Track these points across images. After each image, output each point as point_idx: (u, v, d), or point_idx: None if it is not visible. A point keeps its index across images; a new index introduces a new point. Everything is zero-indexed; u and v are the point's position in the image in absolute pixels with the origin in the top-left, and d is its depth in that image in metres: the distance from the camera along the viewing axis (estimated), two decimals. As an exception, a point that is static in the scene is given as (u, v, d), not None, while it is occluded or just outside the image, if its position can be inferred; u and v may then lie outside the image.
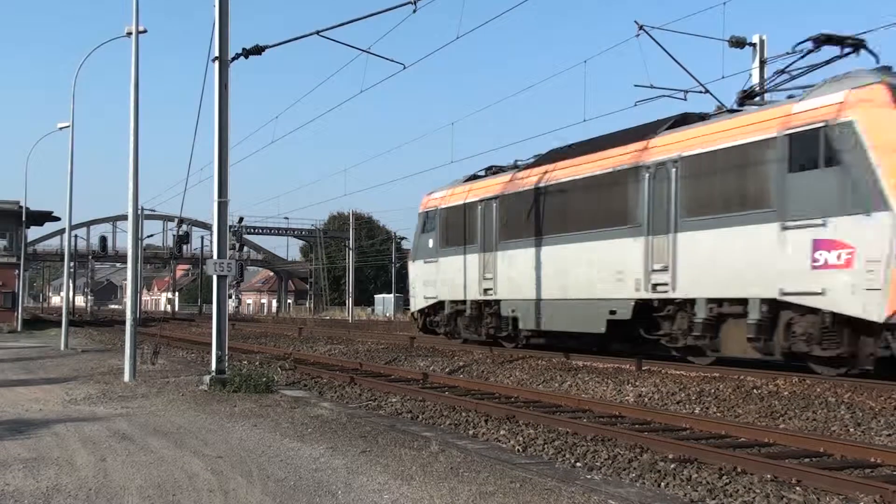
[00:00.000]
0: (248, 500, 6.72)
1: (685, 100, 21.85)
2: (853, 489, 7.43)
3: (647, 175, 16.78)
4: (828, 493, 7.47)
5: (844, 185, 12.92)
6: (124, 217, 57.71)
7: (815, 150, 13.41)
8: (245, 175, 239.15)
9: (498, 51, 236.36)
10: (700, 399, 13.11)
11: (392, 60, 17.78)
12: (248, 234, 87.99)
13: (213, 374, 14.60)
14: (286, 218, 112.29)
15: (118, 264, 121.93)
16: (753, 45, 22.72)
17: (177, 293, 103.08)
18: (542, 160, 21.18)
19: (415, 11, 15.47)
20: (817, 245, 13.26)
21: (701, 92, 21.72)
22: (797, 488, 7.68)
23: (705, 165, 15.48)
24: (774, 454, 9.32)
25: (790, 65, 15.66)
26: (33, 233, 69.90)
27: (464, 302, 23.47)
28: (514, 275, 20.99)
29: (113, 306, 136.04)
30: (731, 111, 16.43)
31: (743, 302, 14.75)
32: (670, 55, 21.00)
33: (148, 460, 8.23)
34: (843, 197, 12.91)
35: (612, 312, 17.56)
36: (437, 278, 24.61)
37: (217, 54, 15.17)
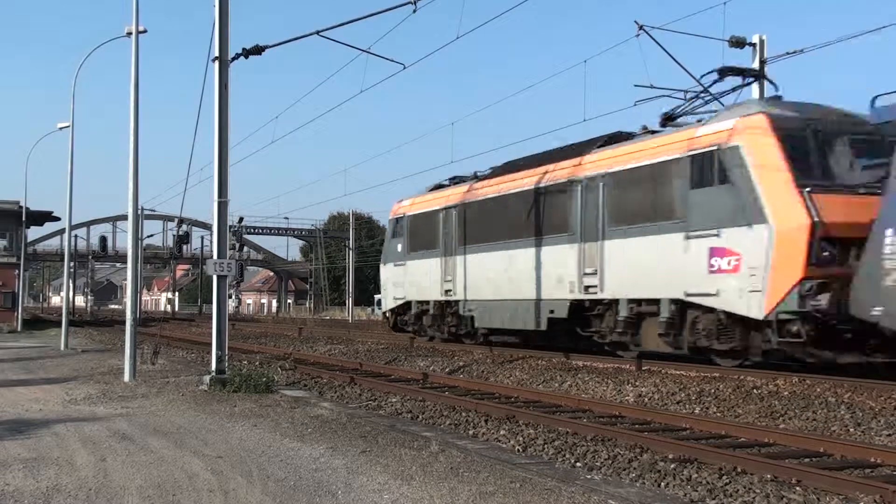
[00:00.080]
0: (248, 500, 6.72)
1: (685, 99, 21.87)
2: (853, 489, 7.43)
3: (580, 188, 18.57)
4: (828, 493, 7.47)
5: (733, 200, 14.72)
6: (124, 217, 57.72)
7: (710, 169, 15.25)
8: (245, 175, 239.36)
9: (498, 51, 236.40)
10: (700, 399, 13.11)
11: (392, 60, 17.79)
12: (248, 234, 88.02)
13: (213, 374, 14.60)
14: (286, 218, 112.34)
15: (118, 264, 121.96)
16: (753, 45, 22.75)
17: (177, 293, 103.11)
18: (497, 172, 22.95)
19: (415, 11, 15.48)
20: (713, 252, 15.07)
21: (701, 92, 21.76)
22: (797, 488, 7.68)
23: (627, 181, 17.33)
24: (774, 454, 9.32)
25: (703, 90, 17.53)
26: (33, 233, 70.00)
27: (428, 302, 25.35)
28: (471, 277, 22.81)
29: (113, 306, 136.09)
30: (653, 132, 18.05)
31: (656, 302, 16.54)
32: (670, 55, 21.01)
33: (148, 460, 8.24)
34: (732, 211, 14.69)
35: (552, 312, 19.35)
36: (405, 280, 26.44)
37: (217, 54, 15.17)
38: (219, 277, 15.03)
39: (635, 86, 21.56)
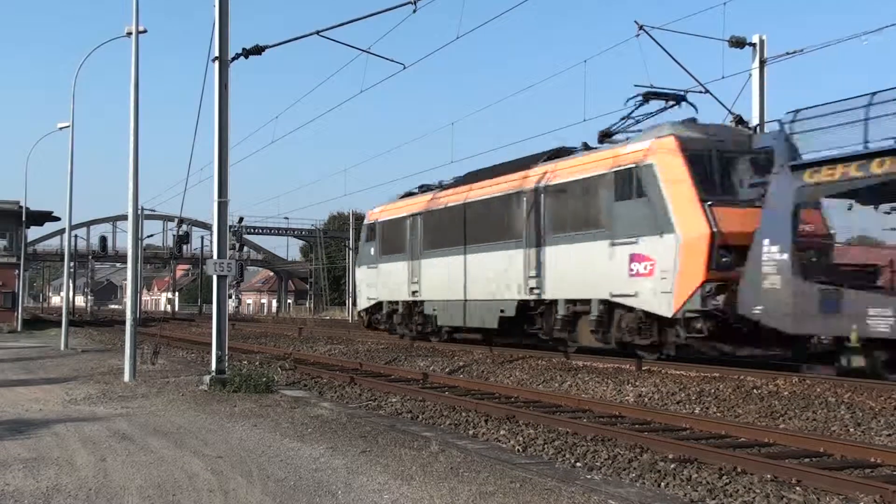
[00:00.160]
0: (248, 500, 6.73)
1: (685, 100, 21.90)
2: (853, 489, 7.43)
3: (525, 199, 20.32)
4: (828, 493, 7.47)
5: (648, 212, 16.49)
6: (124, 217, 57.72)
7: (630, 185, 17.01)
8: (245, 175, 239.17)
9: (498, 51, 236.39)
10: (700, 399, 13.12)
11: (392, 60, 17.81)
12: (248, 234, 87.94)
13: (213, 374, 14.60)
14: (286, 218, 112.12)
15: (118, 264, 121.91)
16: (753, 45, 22.77)
17: (177, 293, 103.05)
18: (458, 182, 24.79)
19: (415, 11, 15.51)
20: (632, 258, 16.84)
21: (701, 92, 21.78)
22: (797, 488, 7.69)
23: (564, 193, 19.10)
24: (774, 454, 9.32)
25: (632, 111, 19.32)
26: (33, 233, 69.97)
27: (397, 302, 27.23)
28: (434, 279, 24.68)
29: (113, 306, 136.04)
30: (591, 148, 19.71)
31: (588, 302, 18.28)
32: (670, 55, 21.06)
33: (148, 460, 8.24)
34: (648, 221, 16.47)
35: (503, 311, 21.15)
36: (377, 282, 28.35)
37: (217, 54, 15.17)
38: (219, 277, 15.03)
39: (635, 86, 21.67)
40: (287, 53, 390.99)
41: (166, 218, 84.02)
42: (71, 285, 45.24)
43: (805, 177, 13.94)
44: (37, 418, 11.17)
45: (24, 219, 46.41)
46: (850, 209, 14.83)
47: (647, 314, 16.58)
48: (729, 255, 15.25)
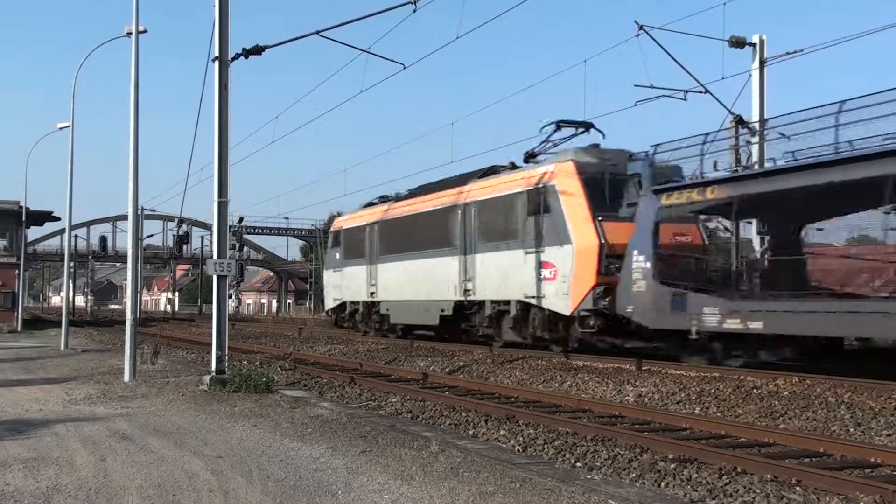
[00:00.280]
0: (248, 500, 6.72)
1: (685, 99, 21.95)
2: (853, 489, 7.43)
3: (460, 212, 23.06)
4: (828, 493, 7.47)
5: (552, 225, 19.13)
6: (124, 217, 57.70)
7: (538, 202, 19.60)
8: (245, 175, 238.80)
9: (498, 51, 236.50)
10: (700, 399, 13.11)
11: (392, 60, 17.83)
12: (248, 234, 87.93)
13: (213, 374, 14.60)
14: (286, 218, 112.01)
15: (118, 264, 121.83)
16: (753, 45, 22.77)
17: (177, 293, 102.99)
18: (411, 194, 27.47)
19: (415, 11, 15.51)
20: (541, 265, 19.40)
21: (701, 92, 21.80)
22: (797, 488, 7.69)
23: (490, 207, 21.78)
24: (774, 454, 9.32)
25: (548, 137, 21.99)
26: (33, 233, 69.89)
27: (358, 302, 30.19)
28: (388, 282, 27.42)
29: (113, 306, 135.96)
30: (516, 167, 22.57)
31: (508, 303, 20.87)
32: (670, 55, 21.09)
33: (148, 460, 8.24)
34: (551, 233, 19.10)
35: (443, 310, 23.84)
36: (342, 284, 31.31)
37: (217, 54, 15.16)
38: (219, 277, 15.03)
39: (635, 86, 21.80)
40: (287, 53, 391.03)
41: (166, 218, 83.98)
42: (71, 285, 45.24)
43: (663, 199, 16.62)
44: (37, 418, 11.17)
45: (24, 219, 46.39)
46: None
47: (553, 313, 19.11)
48: (615, 263, 17.56)
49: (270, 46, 16.31)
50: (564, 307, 18.57)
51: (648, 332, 17.24)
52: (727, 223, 18.39)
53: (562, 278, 18.63)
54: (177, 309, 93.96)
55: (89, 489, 7.02)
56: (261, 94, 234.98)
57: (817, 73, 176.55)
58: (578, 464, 8.84)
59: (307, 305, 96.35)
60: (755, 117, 22.13)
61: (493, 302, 21.59)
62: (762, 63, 22.52)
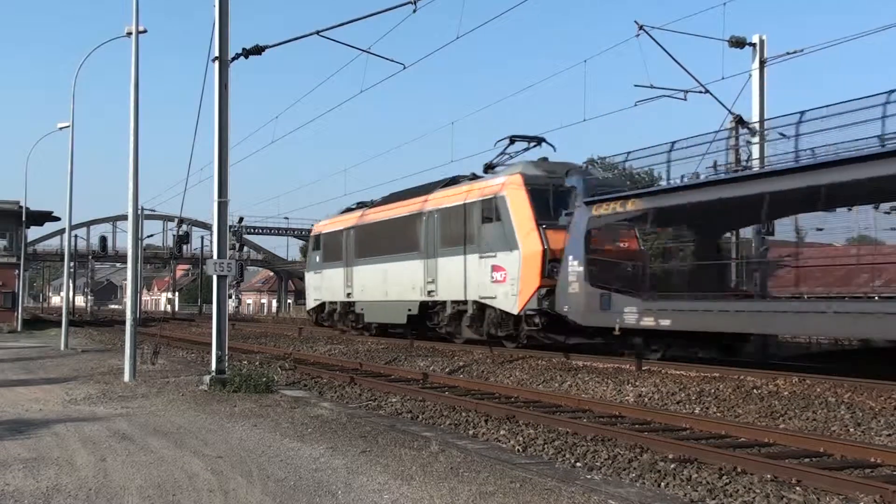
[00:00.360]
0: (248, 500, 6.72)
1: (685, 99, 21.97)
2: (853, 489, 7.43)
3: (424, 218, 24.78)
4: (828, 493, 7.47)
5: (502, 232, 20.85)
6: (124, 217, 57.70)
7: (491, 211, 21.43)
8: (245, 175, 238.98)
9: (498, 51, 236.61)
10: (700, 399, 13.11)
11: (392, 60, 17.85)
12: (248, 234, 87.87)
13: (213, 374, 14.59)
14: (286, 218, 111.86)
15: (118, 264, 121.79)
16: (753, 45, 22.74)
17: (177, 293, 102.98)
18: (384, 201, 29.24)
19: (415, 11, 15.52)
20: (493, 268, 21.13)
21: (701, 92, 21.79)
22: (797, 488, 7.69)
23: (449, 215, 23.51)
24: (774, 454, 9.32)
25: (504, 150, 23.69)
26: (33, 233, 69.83)
27: (336, 302, 32.13)
28: (363, 283, 29.29)
29: (113, 306, 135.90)
30: (476, 177, 24.05)
31: (466, 303, 22.71)
32: (670, 55, 21.11)
33: (148, 460, 8.24)
34: (502, 240, 20.83)
35: (410, 310, 25.56)
36: (322, 285, 33.25)
37: (217, 54, 15.16)
38: (219, 277, 15.02)
39: (635, 86, 21.85)
40: (287, 53, 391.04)
41: (166, 218, 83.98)
42: (71, 285, 45.23)
43: (593, 210, 18.25)
44: (37, 418, 11.17)
45: (24, 219, 46.38)
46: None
47: (504, 312, 20.80)
48: (557, 266, 19.01)
49: (270, 46, 16.32)
50: (513, 307, 20.23)
51: (591, 329, 18.60)
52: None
53: (511, 281, 20.34)
54: (177, 309, 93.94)
55: (89, 489, 7.02)
56: (261, 94, 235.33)
57: (817, 73, 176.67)
58: (578, 464, 8.84)
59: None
60: (755, 117, 22.12)
61: (453, 302, 23.37)
62: (762, 63, 22.49)
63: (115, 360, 20.34)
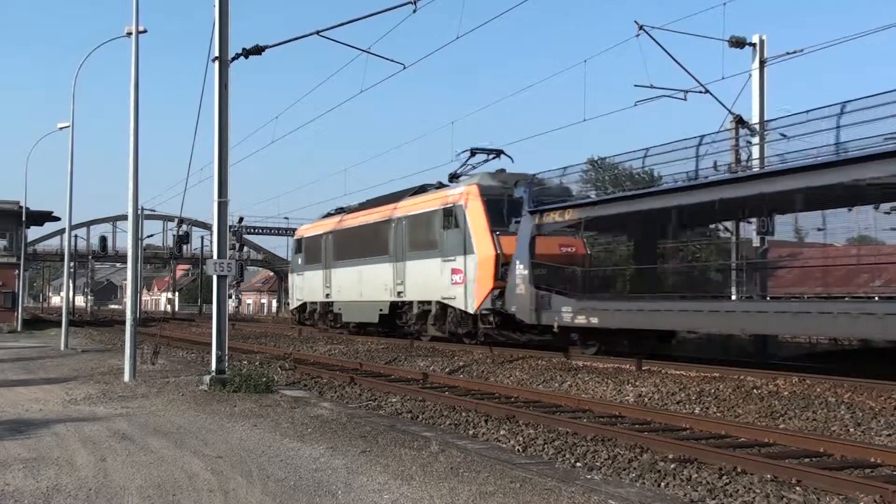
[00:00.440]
0: (248, 500, 6.73)
1: (685, 100, 21.97)
2: (853, 489, 7.43)
3: (394, 224, 26.73)
4: (828, 493, 7.47)
5: (460, 238, 22.74)
6: (124, 217, 57.69)
7: (451, 218, 23.35)
8: (245, 175, 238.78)
9: (498, 51, 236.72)
10: (700, 399, 13.11)
11: (392, 60, 17.89)
12: (248, 234, 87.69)
13: (213, 374, 14.59)
14: (286, 218, 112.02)
15: (118, 264, 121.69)
16: (753, 45, 22.74)
17: (177, 293, 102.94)
18: (361, 207, 31.15)
19: (415, 11, 15.55)
20: (453, 271, 23.03)
21: (701, 92, 21.79)
22: (797, 488, 7.69)
23: (416, 222, 25.44)
24: (774, 454, 9.33)
25: (466, 161, 25.63)
26: (33, 233, 69.73)
27: (316, 303, 34.18)
28: (339, 284, 31.27)
29: (113, 306, 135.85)
30: (443, 186, 25.74)
31: (430, 303, 24.57)
32: (670, 55, 21.13)
33: (148, 460, 8.24)
34: (460, 245, 22.69)
35: (381, 310, 27.47)
36: (304, 286, 35.38)
37: (217, 54, 15.16)
38: (219, 277, 15.03)
39: (635, 86, 21.86)
40: (287, 53, 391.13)
41: (166, 218, 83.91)
42: (71, 285, 45.23)
43: (537, 219, 19.73)
44: (37, 418, 11.17)
45: (24, 219, 46.36)
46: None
47: (463, 311, 22.61)
48: (506, 270, 20.53)
49: (270, 46, 16.32)
50: (470, 307, 22.13)
51: (540, 327, 19.94)
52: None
53: (468, 283, 22.23)
54: (177, 309, 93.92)
55: (89, 489, 7.02)
56: (261, 94, 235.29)
57: (817, 73, 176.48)
58: (578, 464, 8.84)
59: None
60: (755, 117, 22.13)
61: (419, 302, 25.32)
62: (762, 63, 22.49)
63: (115, 360, 20.34)
